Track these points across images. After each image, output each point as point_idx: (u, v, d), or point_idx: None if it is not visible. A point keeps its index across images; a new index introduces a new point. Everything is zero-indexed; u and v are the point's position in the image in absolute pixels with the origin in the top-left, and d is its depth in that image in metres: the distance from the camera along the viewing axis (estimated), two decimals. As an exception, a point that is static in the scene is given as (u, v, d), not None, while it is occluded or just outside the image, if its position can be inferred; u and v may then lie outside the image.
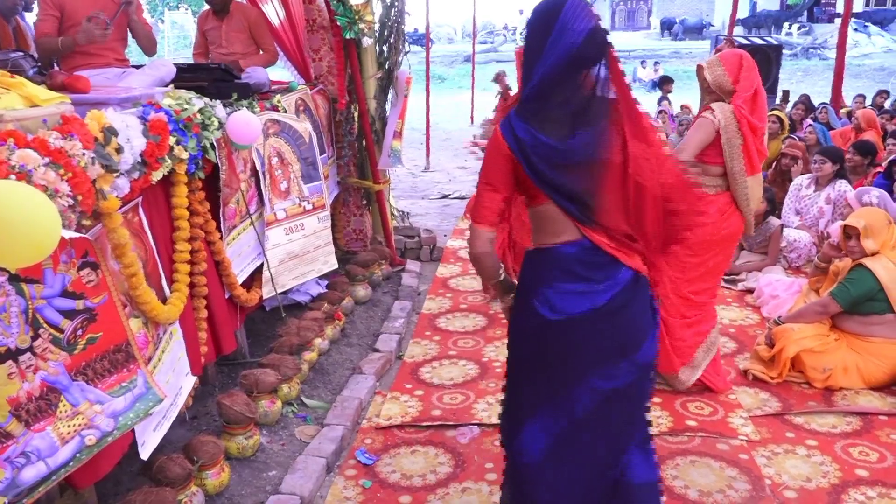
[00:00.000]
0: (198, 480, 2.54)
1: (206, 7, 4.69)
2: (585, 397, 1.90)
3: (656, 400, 3.32)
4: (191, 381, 2.74)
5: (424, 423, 3.19)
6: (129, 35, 3.83)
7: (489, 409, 3.30)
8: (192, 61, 4.65)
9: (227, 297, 3.27)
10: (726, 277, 4.94)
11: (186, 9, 22.46)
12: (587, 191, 1.80)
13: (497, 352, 3.92)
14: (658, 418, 3.18)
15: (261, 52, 4.66)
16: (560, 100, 1.74)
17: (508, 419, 2.08)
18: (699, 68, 3.21)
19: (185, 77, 3.54)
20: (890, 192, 5.32)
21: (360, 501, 2.68)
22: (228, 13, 4.58)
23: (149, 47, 3.88)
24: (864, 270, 3.42)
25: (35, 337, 1.72)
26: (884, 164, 5.73)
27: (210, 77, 3.72)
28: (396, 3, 4.84)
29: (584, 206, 1.81)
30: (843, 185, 5.21)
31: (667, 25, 31.54)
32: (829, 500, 2.62)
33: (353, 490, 2.74)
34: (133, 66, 3.70)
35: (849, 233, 3.52)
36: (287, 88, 4.26)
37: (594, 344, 1.88)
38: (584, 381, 1.90)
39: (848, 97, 10.04)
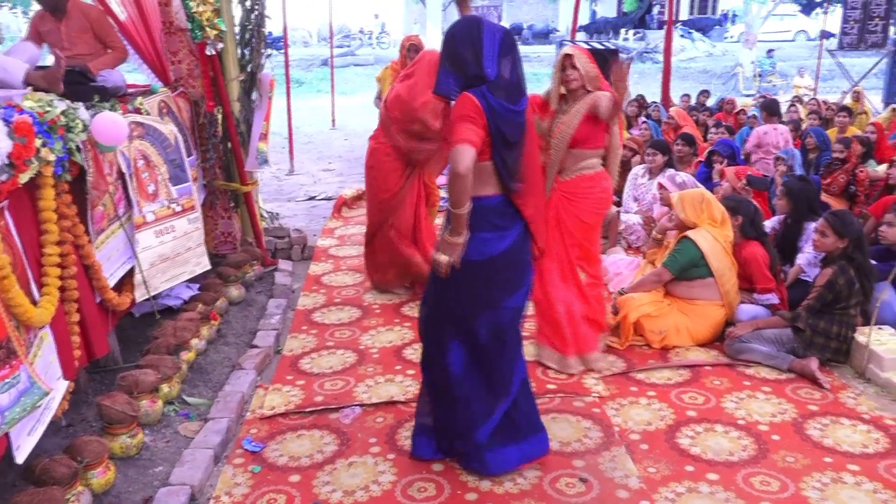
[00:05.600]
0: (83, 480, 2.54)
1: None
2: (489, 324, 2.59)
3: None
4: (64, 386, 2.72)
5: (308, 409, 3.33)
6: None
7: (369, 390, 3.49)
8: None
9: (97, 301, 3.25)
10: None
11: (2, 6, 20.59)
12: (519, 152, 2.51)
13: (373, 339, 4.13)
14: (523, 385, 3.52)
15: (109, 51, 4.53)
16: (508, 77, 2.45)
17: (436, 343, 2.68)
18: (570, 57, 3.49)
19: (37, 80, 3.44)
20: (710, 179, 6.07)
21: (251, 485, 2.79)
22: (66, 13, 4.37)
23: None
24: (687, 241, 3.97)
25: (-85, 337, 1.72)
26: (704, 154, 6.52)
27: (63, 80, 3.62)
28: (256, 7, 4.90)
29: (512, 167, 2.50)
30: (671, 173, 5.87)
31: (515, 31, 32.99)
32: (666, 438, 3.06)
33: (243, 476, 2.84)
34: None
35: (668, 203, 4.11)
36: (148, 91, 4.22)
37: (499, 279, 2.58)
38: (490, 311, 2.59)
39: (675, 97, 11.15)
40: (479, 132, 2.39)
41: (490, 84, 2.41)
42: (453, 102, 2.49)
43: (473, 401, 2.68)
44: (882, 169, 5.98)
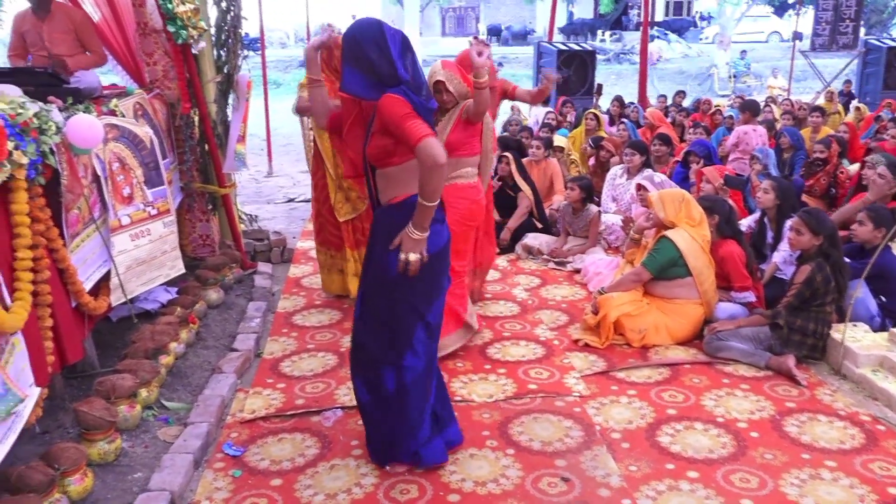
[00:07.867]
0: (60, 488, 2.50)
1: (27, 6, 4.46)
2: (436, 316, 2.68)
3: (501, 370, 3.69)
4: (36, 392, 2.67)
5: (289, 413, 3.31)
6: None
7: (350, 393, 3.46)
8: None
9: (73, 305, 3.19)
10: (556, 260, 5.48)
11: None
12: None
13: (354, 341, 4.10)
14: (504, 385, 3.52)
15: (88, 53, 4.50)
16: (418, 77, 2.53)
17: (365, 372, 2.74)
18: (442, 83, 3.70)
19: (6, 82, 3.37)
20: (687, 179, 6.13)
21: (232, 490, 2.76)
22: (50, 13, 4.37)
23: None
24: (666, 241, 4.00)
25: None
26: (681, 154, 6.58)
27: (35, 82, 3.56)
28: (232, 7, 4.86)
29: None
30: (649, 173, 5.92)
31: (494, 32, 33.12)
32: (646, 436, 3.08)
33: (224, 480, 2.81)
34: None
35: (647, 203, 4.16)
36: (123, 93, 4.17)
37: (446, 267, 2.71)
38: (439, 300, 2.70)
39: (652, 97, 11.26)
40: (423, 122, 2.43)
41: (407, 84, 2.46)
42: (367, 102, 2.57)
43: (412, 409, 2.72)
44: (854, 168, 6.08)
